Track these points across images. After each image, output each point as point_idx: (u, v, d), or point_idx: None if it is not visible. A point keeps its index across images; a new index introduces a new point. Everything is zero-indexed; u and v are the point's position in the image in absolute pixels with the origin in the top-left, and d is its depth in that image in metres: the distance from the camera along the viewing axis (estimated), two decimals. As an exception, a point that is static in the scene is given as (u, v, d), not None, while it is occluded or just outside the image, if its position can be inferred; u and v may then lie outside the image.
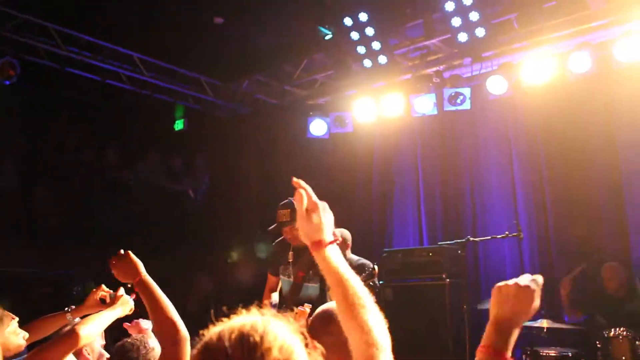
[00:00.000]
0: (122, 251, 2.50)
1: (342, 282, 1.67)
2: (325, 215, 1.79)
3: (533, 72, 6.50)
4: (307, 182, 6.41)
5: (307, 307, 4.21)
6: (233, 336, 1.20)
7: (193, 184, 9.91)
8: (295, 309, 4.28)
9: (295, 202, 1.81)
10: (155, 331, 2.41)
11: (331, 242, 1.75)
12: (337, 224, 5.33)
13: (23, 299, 7.20)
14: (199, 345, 1.26)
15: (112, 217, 8.49)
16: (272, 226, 4.58)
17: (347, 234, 6.18)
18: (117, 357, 2.87)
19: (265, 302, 3.80)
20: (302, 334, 1.32)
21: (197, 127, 9.14)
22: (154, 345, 2.90)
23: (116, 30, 7.21)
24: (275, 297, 4.85)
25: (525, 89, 6.77)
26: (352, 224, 7.35)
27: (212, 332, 1.25)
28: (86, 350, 3.04)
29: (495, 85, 6.76)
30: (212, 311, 1.35)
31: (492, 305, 1.68)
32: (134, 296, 2.51)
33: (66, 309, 3.04)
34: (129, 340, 2.93)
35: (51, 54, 7.05)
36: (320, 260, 1.74)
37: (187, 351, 2.18)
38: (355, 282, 1.67)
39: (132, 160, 9.06)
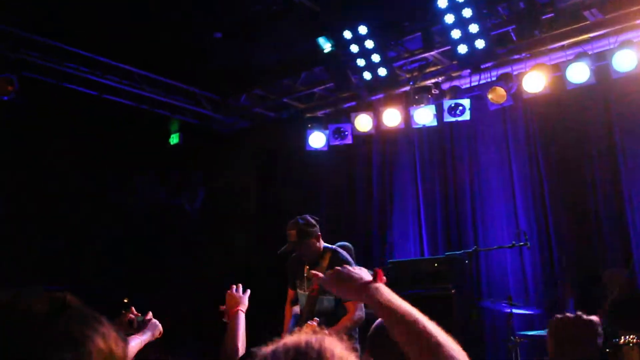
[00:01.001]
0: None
1: (401, 320, 1.50)
2: (351, 269, 1.75)
3: (532, 82, 6.55)
4: (307, 195, 6.41)
5: (314, 322, 4.22)
6: (289, 354, 1.17)
7: (189, 199, 9.86)
8: (305, 323, 4.29)
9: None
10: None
11: (368, 283, 1.65)
12: (338, 237, 5.38)
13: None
14: None
15: (109, 233, 8.43)
16: (283, 247, 4.60)
17: (349, 247, 6.19)
18: None
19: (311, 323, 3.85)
20: (355, 349, 1.30)
21: (194, 142, 9.10)
22: None
23: (114, 45, 7.20)
24: (296, 310, 4.85)
25: (524, 99, 6.83)
26: (353, 235, 7.37)
27: (265, 350, 1.22)
28: None
29: (495, 96, 6.82)
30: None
31: None
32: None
33: None
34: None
35: (49, 69, 7.00)
36: (371, 304, 1.63)
37: None
38: (419, 317, 1.50)
39: (129, 175, 8.99)
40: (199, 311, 8.16)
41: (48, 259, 7.71)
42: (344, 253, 4.70)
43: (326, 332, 3.51)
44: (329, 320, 4.38)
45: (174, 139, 9.51)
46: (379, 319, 2.33)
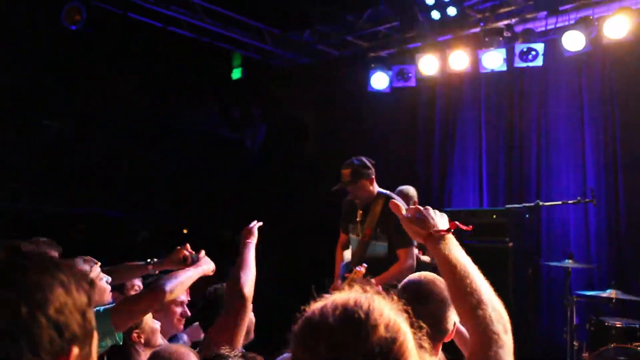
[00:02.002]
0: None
1: (455, 273, 1.59)
2: (429, 213, 1.76)
3: (614, 27, 6.08)
4: (366, 137, 6.29)
5: (362, 267, 4.19)
6: (337, 312, 1.15)
7: (250, 134, 9.91)
8: (350, 274, 4.28)
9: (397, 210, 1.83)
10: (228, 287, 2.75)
11: (439, 232, 1.68)
12: (399, 180, 5.28)
13: (86, 240, 7.44)
14: (300, 321, 1.21)
15: (167, 164, 8.61)
16: (336, 186, 4.56)
17: (411, 191, 6.10)
18: (210, 299, 2.98)
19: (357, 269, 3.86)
20: (407, 311, 1.25)
21: (255, 77, 9.05)
22: None
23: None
24: (347, 254, 4.85)
25: (604, 46, 6.37)
26: (411, 180, 7.24)
27: (314, 307, 1.21)
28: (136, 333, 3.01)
29: (572, 41, 6.38)
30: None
31: None
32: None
33: (148, 260, 3.08)
34: (220, 286, 3.01)
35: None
36: (433, 253, 1.69)
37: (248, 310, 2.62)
38: (469, 272, 1.59)
39: (189, 107, 9.08)
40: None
41: (111, 183, 7.98)
42: (398, 199, 4.61)
43: (373, 280, 3.49)
44: (380, 266, 4.36)
45: (237, 74, 9.49)
46: (407, 279, 2.29)
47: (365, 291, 1.24)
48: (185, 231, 8.71)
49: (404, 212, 1.79)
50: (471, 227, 1.80)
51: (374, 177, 4.60)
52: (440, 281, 2.18)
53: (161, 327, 3.00)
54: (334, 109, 8.74)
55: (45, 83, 7.21)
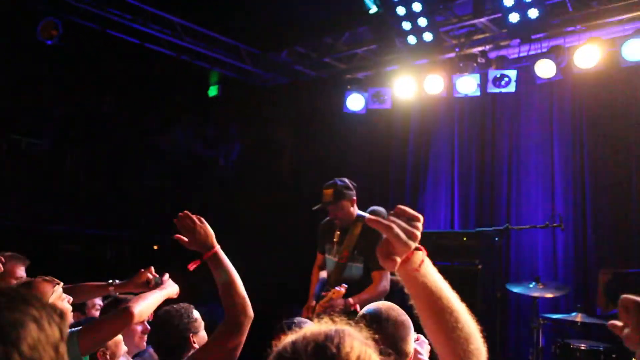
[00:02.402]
0: (195, 217, 2.38)
1: (434, 294, 1.46)
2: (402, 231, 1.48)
3: (584, 57, 6.25)
4: (341, 158, 6.30)
5: (342, 288, 4.22)
6: (309, 348, 1.16)
7: (225, 152, 9.92)
8: (327, 293, 4.30)
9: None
10: (225, 307, 2.37)
11: (414, 251, 1.46)
12: (371, 201, 5.32)
13: (54, 256, 7.35)
14: (271, 358, 1.22)
15: (142, 181, 8.58)
16: (317, 206, 4.58)
17: (383, 212, 6.14)
18: (159, 322, 2.88)
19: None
20: (375, 341, 1.28)
21: (233, 96, 9.08)
22: (197, 317, 2.91)
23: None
24: (323, 274, 4.86)
25: (574, 74, 6.54)
26: (384, 202, 7.30)
27: (285, 343, 1.21)
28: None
29: (543, 69, 6.54)
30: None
31: None
32: (193, 266, 2.34)
33: (110, 281, 3.05)
34: (175, 306, 2.94)
35: (93, 15, 7.01)
36: (409, 275, 1.50)
37: (247, 330, 2.24)
38: (451, 294, 1.48)
39: (166, 124, 9.08)
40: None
41: (86, 199, 7.92)
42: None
43: (351, 300, 3.46)
44: (355, 288, 4.38)
45: (213, 91, 9.51)
46: (365, 307, 2.32)
47: (334, 322, 1.26)
48: (155, 247, 8.65)
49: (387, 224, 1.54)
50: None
51: (355, 199, 4.64)
52: (397, 307, 2.24)
53: (125, 345, 2.97)
54: (310, 129, 8.80)
55: (22, 98, 7.17)
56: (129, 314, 2.56)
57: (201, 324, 2.95)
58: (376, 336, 1.32)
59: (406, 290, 1.52)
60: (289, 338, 1.22)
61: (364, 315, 2.25)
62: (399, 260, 1.44)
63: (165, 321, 2.85)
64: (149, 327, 3.21)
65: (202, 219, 2.40)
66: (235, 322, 2.25)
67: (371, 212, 6.16)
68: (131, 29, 7.36)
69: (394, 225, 1.45)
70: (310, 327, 1.24)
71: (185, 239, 2.39)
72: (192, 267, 2.36)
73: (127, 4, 7.13)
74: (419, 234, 1.46)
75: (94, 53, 7.48)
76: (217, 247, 2.34)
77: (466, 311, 1.49)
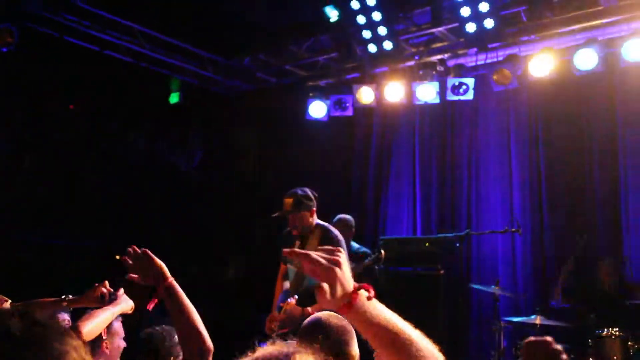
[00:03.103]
0: (138, 250, 2.27)
1: (387, 332, 1.38)
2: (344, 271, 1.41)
3: (539, 65, 6.44)
4: (304, 165, 6.34)
5: (293, 299, 4.27)
6: None
7: (186, 158, 9.83)
8: (286, 301, 4.33)
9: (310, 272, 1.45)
10: (180, 340, 2.30)
11: (351, 297, 1.39)
12: (334, 207, 5.36)
13: (8, 267, 7.15)
14: None
15: (104, 189, 8.43)
16: (276, 213, 4.60)
17: (351, 220, 6.20)
18: (142, 344, 2.85)
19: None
20: (322, 351, 1.30)
21: (194, 102, 9.02)
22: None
23: (117, 1, 7.07)
24: (287, 285, 4.87)
25: (529, 83, 6.73)
26: (346, 208, 7.36)
27: None
28: (105, 344, 2.99)
29: (500, 77, 6.71)
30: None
31: None
32: (152, 305, 2.27)
33: (63, 297, 2.99)
34: (158, 329, 2.91)
35: (50, 21, 6.88)
36: (350, 318, 1.44)
37: None
38: (404, 325, 1.40)
39: (127, 131, 8.95)
40: (185, 271, 8.24)
41: (42, 207, 7.73)
42: (335, 232, 4.69)
43: (309, 309, 3.46)
44: (314, 297, 4.40)
45: (174, 98, 9.41)
46: (306, 321, 2.35)
47: (285, 346, 1.27)
48: (117, 257, 8.50)
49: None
50: (368, 287, 1.44)
51: (315, 209, 4.67)
52: (335, 314, 2.26)
53: None
54: (273, 136, 8.81)
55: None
56: (78, 333, 2.53)
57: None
58: (320, 346, 1.33)
59: (362, 336, 1.44)
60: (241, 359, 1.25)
61: (306, 326, 2.30)
62: (326, 287, 1.37)
63: (148, 343, 2.83)
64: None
65: (148, 252, 2.27)
66: (194, 354, 2.14)
67: (339, 220, 6.23)
68: (89, 35, 7.24)
69: (311, 253, 1.40)
70: (264, 350, 1.26)
71: (136, 276, 2.26)
72: (151, 306, 2.26)
73: (84, 10, 7.02)
74: (341, 259, 1.40)
75: (53, 59, 7.33)
76: (170, 278, 2.23)
77: (422, 336, 1.41)
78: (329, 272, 1.38)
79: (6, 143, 7.64)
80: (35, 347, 1.12)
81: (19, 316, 1.17)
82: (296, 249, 1.53)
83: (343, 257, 1.42)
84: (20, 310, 1.22)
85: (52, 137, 7.90)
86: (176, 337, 2.88)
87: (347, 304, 1.38)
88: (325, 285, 1.38)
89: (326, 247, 1.46)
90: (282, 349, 1.25)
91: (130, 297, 3.00)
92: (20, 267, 7.21)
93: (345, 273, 1.40)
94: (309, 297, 4.38)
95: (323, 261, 1.39)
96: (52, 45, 7.11)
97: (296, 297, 4.32)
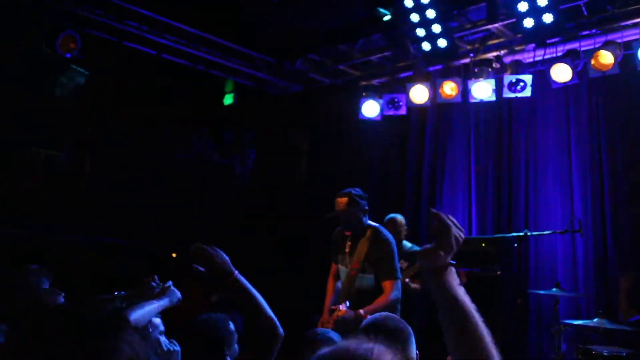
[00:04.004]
0: (207, 248, 2.35)
1: (461, 308, 1.55)
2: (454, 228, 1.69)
3: (600, 60, 6.22)
4: (357, 165, 6.35)
5: (344, 306, 4.27)
6: None
7: (240, 159, 9.98)
8: (336, 307, 4.33)
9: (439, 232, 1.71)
10: (252, 330, 2.34)
11: (446, 265, 1.63)
12: (387, 208, 5.36)
13: (74, 267, 7.42)
14: None
15: (161, 189, 8.64)
16: (330, 214, 4.62)
17: (401, 220, 6.16)
18: (196, 330, 2.90)
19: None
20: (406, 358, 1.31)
21: (248, 104, 9.14)
22: (233, 329, 2.93)
23: (173, 5, 7.25)
24: (339, 285, 4.89)
25: (590, 78, 6.51)
26: (400, 209, 7.30)
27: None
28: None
29: (559, 73, 6.52)
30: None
31: None
32: (214, 297, 2.34)
33: (115, 293, 3.09)
34: (213, 316, 2.96)
35: (110, 27, 7.10)
36: (439, 283, 1.61)
37: (276, 350, 2.21)
38: (471, 307, 1.57)
39: (182, 134, 9.15)
40: (241, 271, 8.34)
41: (104, 210, 7.99)
42: (386, 233, 4.68)
43: (361, 311, 3.48)
44: (367, 298, 4.40)
45: (228, 99, 9.58)
46: (371, 319, 2.36)
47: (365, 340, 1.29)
48: (174, 255, 8.70)
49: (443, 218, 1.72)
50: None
51: (367, 209, 4.67)
52: (394, 315, 2.37)
53: None
54: (326, 136, 8.83)
55: (39, 111, 7.26)
56: (125, 321, 2.59)
57: (235, 336, 2.97)
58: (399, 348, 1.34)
59: (438, 304, 1.58)
60: (318, 353, 1.26)
61: (363, 327, 2.29)
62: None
63: (202, 330, 2.89)
64: None
65: (216, 248, 2.36)
66: (264, 345, 2.22)
67: (390, 220, 6.19)
68: (147, 40, 7.45)
69: (452, 226, 1.68)
70: (341, 343, 1.27)
71: (202, 269, 2.37)
72: (213, 298, 2.36)
73: (143, 15, 7.22)
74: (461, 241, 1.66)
75: (112, 65, 7.57)
76: (236, 272, 2.31)
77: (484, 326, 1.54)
78: (448, 229, 1.67)
79: (68, 149, 7.94)
80: (89, 343, 1.15)
81: (70, 313, 1.22)
82: (441, 215, 1.73)
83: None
84: (73, 306, 1.28)
85: (111, 143, 8.16)
86: (231, 325, 2.93)
87: (443, 266, 1.60)
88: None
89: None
90: (362, 342, 1.26)
91: (180, 290, 3.08)
92: (80, 266, 7.48)
93: (451, 243, 1.66)
94: (361, 298, 4.38)
95: (447, 220, 1.68)
96: (112, 51, 7.34)
97: (347, 303, 4.33)
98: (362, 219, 4.65)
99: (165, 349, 3.02)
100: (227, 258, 2.34)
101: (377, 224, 4.76)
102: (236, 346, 2.96)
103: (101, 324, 1.20)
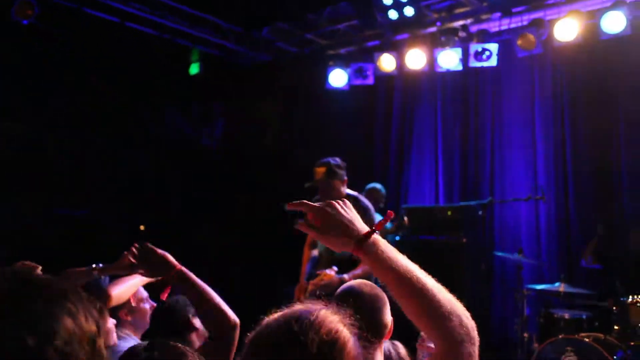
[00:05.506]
0: (139, 245, 2.29)
1: (401, 280, 1.40)
2: (340, 209, 1.50)
3: (564, 30, 6.29)
4: (325, 134, 6.33)
5: (332, 270, 4.28)
6: (279, 327, 1.23)
7: (208, 130, 9.87)
8: (321, 272, 4.36)
9: (309, 222, 1.54)
10: (204, 322, 2.35)
11: (367, 233, 1.45)
12: (356, 178, 5.33)
13: (40, 239, 7.31)
14: (251, 334, 1.28)
15: (125, 160, 8.51)
16: (308, 183, 4.59)
17: (382, 190, 6.24)
18: (166, 307, 2.91)
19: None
20: (353, 316, 1.31)
21: (215, 74, 9.01)
22: None
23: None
24: (315, 253, 4.90)
25: (554, 47, 6.58)
26: (368, 177, 7.35)
27: (265, 321, 1.28)
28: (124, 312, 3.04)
29: (524, 42, 6.57)
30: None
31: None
32: (165, 294, 2.32)
33: (93, 265, 3.04)
34: (179, 299, 2.97)
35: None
36: (366, 261, 1.46)
37: (237, 337, 2.16)
38: (420, 273, 1.42)
39: (148, 105, 8.98)
40: (210, 242, 8.34)
41: (71, 181, 7.85)
42: (365, 201, 4.69)
43: (346, 276, 3.53)
44: (346, 266, 4.43)
45: (194, 69, 9.40)
46: (345, 285, 2.36)
47: (312, 304, 1.30)
48: (142, 227, 8.63)
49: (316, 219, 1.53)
50: (392, 213, 1.59)
51: (346, 179, 4.65)
52: (369, 282, 2.33)
53: (136, 325, 3.02)
54: (294, 106, 8.78)
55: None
56: (107, 296, 2.58)
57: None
58: (352, 311, 1.33)
59: (380, 281, 1.48)
60: (269, 317, 1.28)
61: (339, 294, 2.32)
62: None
63: (171, 307, 2.90)
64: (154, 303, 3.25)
65: (148, 245, 2.28)
66: (221, 336, 2.18)
67: (371, 189, 6.26)
68: (110, 7, 7.24)
69: (305, 202, 1.54)
70: (289, 307, 1.29)
71: (142, 272, 2.35)
72: (164, 296, 2.30)
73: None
74: (334, 203, 1.50)
75: (72, 32, 7.35)
76: (178, 265, 2.24)
77: (440, 286, 1.43)
78: (322, 212, 1.48)
79: (32, 119, 7.73)
80: (12, 307, 0.98)
81: (12, 274, 1.05)
82: (293, 202, 1.57)
83: (339, 203, 1.50)
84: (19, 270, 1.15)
85: (73, 113, 7.97)
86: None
87: (357, 244, 1.43)
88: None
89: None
90: (308, 306, 1.27)
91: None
92: (51, 239, 7.37)
93: (351, 217, 1.48)
94: (345, 265, 4.41)
95: (315, 204, 1.50)
96: (71, 18, 7.12)
97: (335, 268, 4.33)
98: (340, 188, 4.62)
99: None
100: (165, 253, 2.27)
101: (355, 193, 4.76)
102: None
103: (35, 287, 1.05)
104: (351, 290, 2.28)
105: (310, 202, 1.53)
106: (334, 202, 1.51)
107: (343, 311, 1.29)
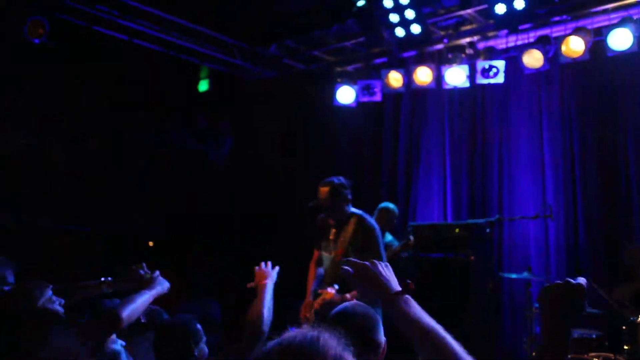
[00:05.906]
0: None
1: (428, 335, 1.56)
2: (381, 270, 1.76)
3: (571, 47, 6.29)
4: (332, 151, 6.35)
5: (333, 289, 4.28)
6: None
7: (216, 146, 9.90)
8: (323, 291, 4.35)
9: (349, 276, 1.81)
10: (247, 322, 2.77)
11: (397, 294, 1.67)
12: (363, 194, 5.34)
13: (47, 253, 7.32)
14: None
15: (135, 176, 8.54)
16: (312, 202, 4.61)
17: (393, 209, 6.25)
18: (163, 333, 2.89)
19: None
20: (345, 336, 1.32)
21: (222, 90, 9.06)
22: (200, 329, 2.92)
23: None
24: (321, 271, 4.89)
25: (561, 64, 6.58)
26: (376, 196, 7.34)
27: (269, 346, 1.27)
28: None
29: (531, 59, 6.58)
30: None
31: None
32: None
33: (102, 279, 3.04)
34: (176, 321, 2.94)
35: (80, 12, 6.96)
36: (396, 315, 1.65)
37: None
38: (444, 333, 1.57)
39: (155, 120, 9.03)
40: (215, 258, 8.34)
41: (76, 195, 7.88)
42: (370, 220, 4.69)
43: (348, 296, 3.61)
44: (350, 285, 4.41)
45: (203, 86, 9.49)
46: (339, 307, 2.42)
47: (311, 330, 1.30)
48: (150, 244, 8.64)
49: (349, 269, 1.81)
50: (412, 284, 1.76)
51: (350, 198, 4.67)
52: (362, 303, 2.44)
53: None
54: (301, 122, 8.80)
55: (7, 97, 7.11)
56: (117, 318, 2.57)
57: (203, 337, 2.94)
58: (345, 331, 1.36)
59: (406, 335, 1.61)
60: (272, 342, 1.27)
61: (333, 315, 2.35)
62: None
63: (169, 334, 2.86)
64: None
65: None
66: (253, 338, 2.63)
67: (382, 209, 6.26)
68: (119, 25, 7.31)
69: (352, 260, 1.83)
70: (289, 333, 1.29)
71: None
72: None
73: (114, 0, 7.08)
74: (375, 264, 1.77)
75: (81, 50, 7.42)
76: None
77: (461, 348, 1.56)
78: (364, 268, 1.77)
79: (38, 136, 7.79)
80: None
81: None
82: (352, 259, 1.84)
83: (379, 264, 1.77)
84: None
85: (82, 128, 8.02)
86: (198, 325, 2.91)
87: (390, 298, 1.66)
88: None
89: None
90: (307, 332, 1.27)
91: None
92: (57, 253, 7.39)
93: (388, 278, 1.74)
94: (346, 285, 4.39)
95: (360, 262, 1.78)
96: (81, 37, 7.19)
97: (336, 286, 4.33)
98: (344, 208, 4.64)
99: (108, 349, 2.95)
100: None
101: (360, 211, 4.76)
102: (205, 348, 2.93)
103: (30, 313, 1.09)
104: (344, 311, 2.35)
105: (356, 260, 1.82)
106: (376, 262, 1.78)
107: (337, 333, 1.30)
